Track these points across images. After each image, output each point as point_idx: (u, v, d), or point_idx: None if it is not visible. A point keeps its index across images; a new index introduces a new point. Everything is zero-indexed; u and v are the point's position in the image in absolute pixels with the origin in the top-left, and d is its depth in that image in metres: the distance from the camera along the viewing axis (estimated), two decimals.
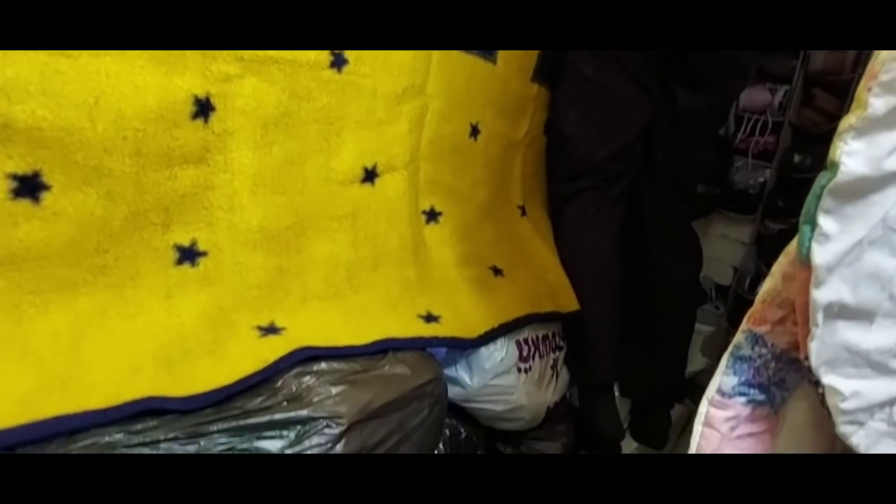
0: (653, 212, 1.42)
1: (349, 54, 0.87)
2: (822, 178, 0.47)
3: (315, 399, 0.79)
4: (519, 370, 1.15)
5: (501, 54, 1.18)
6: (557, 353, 1.29)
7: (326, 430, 0.77)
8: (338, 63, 0.86)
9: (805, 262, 0.50)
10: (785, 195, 1.89)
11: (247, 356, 0.81)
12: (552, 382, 1.27)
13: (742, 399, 0.66)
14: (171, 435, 0.69)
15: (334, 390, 0.81)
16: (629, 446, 1.57)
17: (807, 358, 0.54)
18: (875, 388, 0.54)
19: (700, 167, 1.47)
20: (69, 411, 0.66)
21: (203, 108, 0.76)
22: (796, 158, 1.84)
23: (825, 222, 0.48)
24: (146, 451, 0.68)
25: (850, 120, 0.46)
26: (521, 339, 1.17)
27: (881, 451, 0.56)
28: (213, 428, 0.73)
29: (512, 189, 1.36)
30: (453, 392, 1.07)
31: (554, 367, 1.27)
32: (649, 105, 1.31)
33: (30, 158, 0.65)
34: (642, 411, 1.59)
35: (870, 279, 0.49)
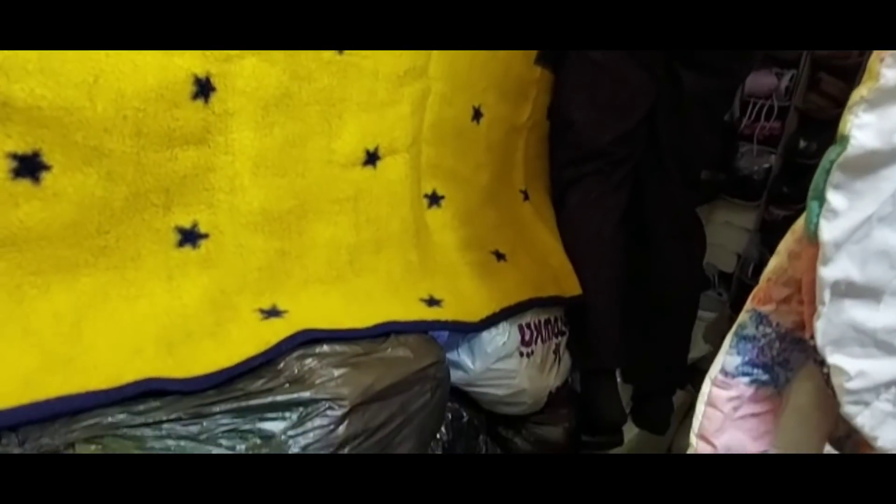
0: (656, 197, 1.40)
1: None
2: (831, 153, 0.46)
3: (317, 381, 0.79)
4: (521, 354, 1.15)
5: None
6: (560, 338, 1.29)
7: (329, 412, 0.77)
8: None
9: (812, 238, 0.49)
10: (790, 181, 1.87)
11: (248, 338, 0.81)
12: (554, 367, 1.26)
13: (745, 379, 0.65)
14: (173, 415, 0.70)
15: (336, 372, 0.81)
16: (630, 431, 1.57)
17: (812, 337, 0.53)
18: (881, 367, 0.53)
19: (705, 152, 1.46)
20: (72, 391, 0.66)
21: (203, 88, 0.75)
22: (802, 144, 1.82)
23: (834, 198, 0.47)
24: (148, 431, 0.68)
25: (861, 92, 0.45)
26: (523, 324, 1.17)
27: (886, 432, 0.56)
28: (216, 409, 0.73)
29: (514, 173, 1.35)
30: (455, 376, 1.07)
31: (556, 351, 1.27)
32: (654, 88, 1.30)
33: (29, 138, 0.64)
34: (644, 397, 1.59)
35: (878, 257, 0.48)
